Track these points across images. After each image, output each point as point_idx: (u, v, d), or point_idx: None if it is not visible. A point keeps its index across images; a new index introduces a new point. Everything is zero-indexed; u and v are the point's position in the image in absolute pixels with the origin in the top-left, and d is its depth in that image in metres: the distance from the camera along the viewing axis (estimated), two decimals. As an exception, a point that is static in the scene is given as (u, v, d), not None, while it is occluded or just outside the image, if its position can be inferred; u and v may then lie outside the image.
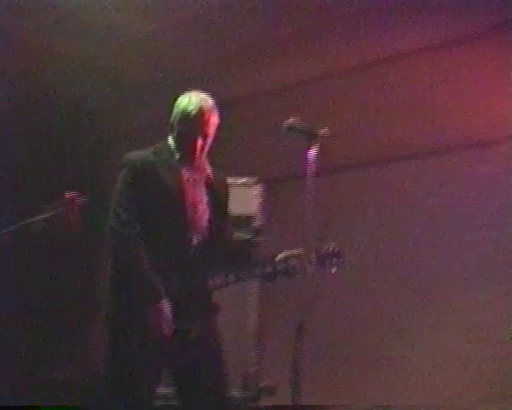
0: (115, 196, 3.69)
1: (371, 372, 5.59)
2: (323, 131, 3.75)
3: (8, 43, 5.82)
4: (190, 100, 3.80)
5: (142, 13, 5.56)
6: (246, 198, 4.87)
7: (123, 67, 6.37)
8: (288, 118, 3.75)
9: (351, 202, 5.62)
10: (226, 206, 3.93)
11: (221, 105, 5.78)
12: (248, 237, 4.72)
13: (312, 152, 3.71)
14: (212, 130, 3.83)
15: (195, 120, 3.75)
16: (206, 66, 6.17)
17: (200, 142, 3.77)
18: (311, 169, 3.69)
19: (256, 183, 4.93)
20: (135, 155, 3.79)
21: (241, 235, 4.67)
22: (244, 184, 4.94)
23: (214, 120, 3.84)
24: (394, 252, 5.59)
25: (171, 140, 3.85)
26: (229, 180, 4.81)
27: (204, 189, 3.80)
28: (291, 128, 3.75)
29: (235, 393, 4.62)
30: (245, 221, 4.81)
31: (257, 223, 4.84)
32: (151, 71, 6.47)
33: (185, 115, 3.78)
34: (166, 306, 3.55)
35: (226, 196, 3.96)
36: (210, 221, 3.77)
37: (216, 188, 3.86)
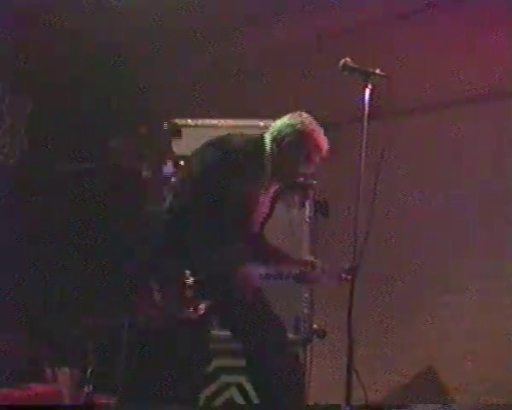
0: None
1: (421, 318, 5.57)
2: (379, 71, 3.73)
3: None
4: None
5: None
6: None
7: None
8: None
9: (406, 146, 5.51)
10: None
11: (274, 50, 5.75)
12: (300, 179, 4.65)
13: (368, 92, 3.69)
14: None
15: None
16: (259, 11, 6.09)
17: None
18: (366, 110, 3.67)
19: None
20: None
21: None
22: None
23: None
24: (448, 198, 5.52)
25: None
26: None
27: None
28: (346, 67, 3.74)
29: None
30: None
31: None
32: (198, 16, 6.38)
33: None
34: None
35: None
36: None
37: None
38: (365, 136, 3.63)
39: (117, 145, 2.73)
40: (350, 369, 3.59)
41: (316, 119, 4.47)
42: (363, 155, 3.61)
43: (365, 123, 3.65)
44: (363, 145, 3.62)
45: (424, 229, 5.60)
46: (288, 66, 6.26)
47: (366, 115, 3.65)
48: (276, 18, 6.23)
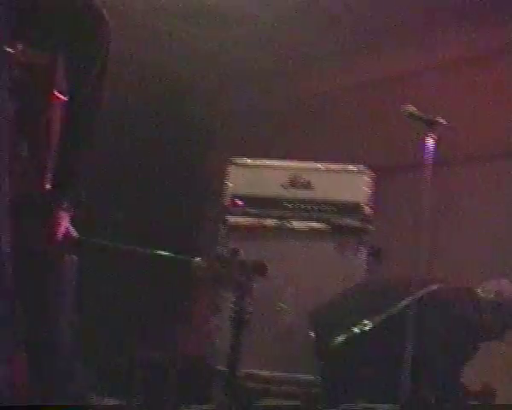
0: None
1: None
2: (443, 120, 3.73)
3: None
4: None
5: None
6: (355, 185, 4.77)
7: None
8: (403, 107, 3.74)
9: (466, 195, 5.47)
10: None
11: (334, 93, 5.75)
12: (357, 224, 4.64)
13: (431, 140, 3.68)
14: None
15: None
16: (321, 54, 6.14)
17: None
18: (427, 158, 3.66)
19: (366, 170, 4.82)
20: None
21: (348, 222, 4.62)
22: (354, 171, 4.84)
23: None
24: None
25: None
26: (340, 167, 4.88)
27: None
28: (412, 115, 3.74)
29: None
30: (353, 208, 4.72)
31: (366, 211, 4.72)
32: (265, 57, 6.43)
33: None
34: None
35: None
36: None
37: None
38: (429, 185, 3.61)
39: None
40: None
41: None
42: (427, 204, 3.60)
43: (429, 172, 3.64)
44: (426, 195, 3.61)
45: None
46: (345, 108, 6.28)
47: (430, 164, 3.65)
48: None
